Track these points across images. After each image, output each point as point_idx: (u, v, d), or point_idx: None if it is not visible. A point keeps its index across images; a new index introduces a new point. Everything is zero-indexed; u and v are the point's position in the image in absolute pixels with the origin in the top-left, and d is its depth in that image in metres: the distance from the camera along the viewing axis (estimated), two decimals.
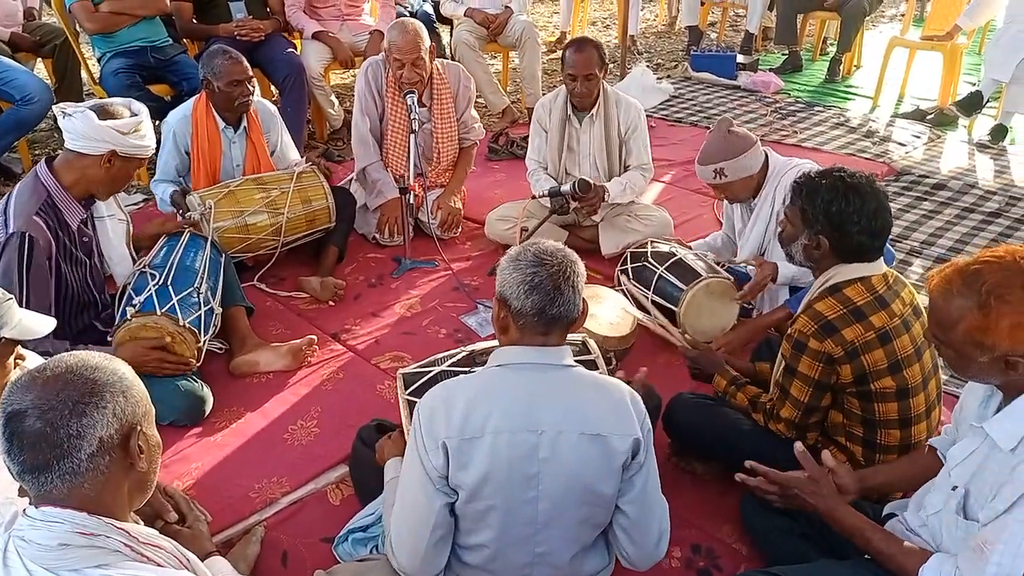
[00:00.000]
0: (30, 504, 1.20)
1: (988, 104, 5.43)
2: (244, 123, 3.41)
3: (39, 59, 4.88)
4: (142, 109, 2.53)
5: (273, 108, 3.60)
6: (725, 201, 3.13)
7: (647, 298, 2.95)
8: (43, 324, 1.80)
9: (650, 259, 3.01)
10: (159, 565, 1.24)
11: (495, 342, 1.79)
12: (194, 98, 3.39)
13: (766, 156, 2.84)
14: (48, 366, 1.22)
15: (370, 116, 3.67)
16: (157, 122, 4.10)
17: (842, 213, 1.96)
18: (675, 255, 2.98)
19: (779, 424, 2.08)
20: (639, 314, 2.66)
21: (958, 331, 1.49)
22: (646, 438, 1.65)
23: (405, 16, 5.65)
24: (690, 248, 3.19)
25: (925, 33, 5.99)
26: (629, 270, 3.07)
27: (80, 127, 2.39)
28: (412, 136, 3.39)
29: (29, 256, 2.31)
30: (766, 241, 2.90)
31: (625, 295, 2.98)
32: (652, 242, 3.13)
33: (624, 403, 1.64)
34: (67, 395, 1.17)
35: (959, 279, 1.50)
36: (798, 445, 1.84)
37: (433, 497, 1.60)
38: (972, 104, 5.34)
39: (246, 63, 3.29)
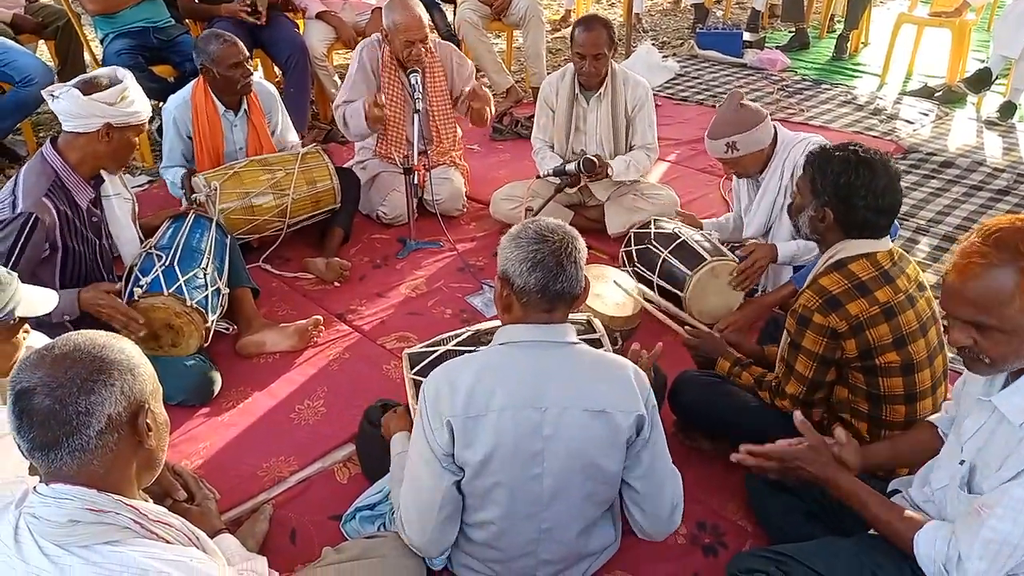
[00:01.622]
0: (40, 482, 1.21)
1: (997, 81, 5.38)
2: (244, 106, 3.39)
3: (42, 41, 4.86)
4: (126, 75, 2.49)
5: (273, 89, 3.59)
6: (735, 180, 3.12)
7: (653, 281, 2.94)
8: (45, 300, 1.82)
9: (653, 241, 2.99)
10: (168, 542, 1.25)
11: (499, 322, 1.79)
12: (192, 83, 3.37)
13: (775, 131, 2.82)
14: (56, 344, 1.23)
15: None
16: (160, 103, 4.09)
17: (850, 186, 1.95)
18: (679, 237, 2.96)
19: (784, 400, 2.09)
20: (642, 300, 2.65)
21: (1016, 302, 1.38)
22: (651, 414, 1.66)
23: None
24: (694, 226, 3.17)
25: (933, 9, 5.94)
26: (633, 252, 3.06)
27: (68, 107, 2.38)
28: (416, 115, 3.37)
29: (28, 236, 2.31)
30: (773, 216, 2.89)
31: (630, 276, 2.97)
32: (655, 221, 3.11)
33: (627, 379, 1.65)
34: (75, 373, 1.18)
35: (992, 250, 1.39)
36: (797, 414, 1.82)
37: (440, 476, 1.61)
38: (981, 81, 5.29)
39: (241, 44, 3.27)
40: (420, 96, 3.40)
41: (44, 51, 4.95)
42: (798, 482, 1.83)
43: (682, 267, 2.86)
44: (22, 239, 2.30)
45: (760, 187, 2.92)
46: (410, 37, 3.40)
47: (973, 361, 1.50)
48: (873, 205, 1.94)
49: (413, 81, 3.42)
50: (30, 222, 2.31)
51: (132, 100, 2.45)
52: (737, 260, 2.88)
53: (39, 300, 1.80)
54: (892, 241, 2.06)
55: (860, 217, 1.96)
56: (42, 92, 2.48)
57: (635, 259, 3.03)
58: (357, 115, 3.47)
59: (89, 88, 2.39)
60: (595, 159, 3.27)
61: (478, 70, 5.38)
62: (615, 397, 1.62)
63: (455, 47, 3.84)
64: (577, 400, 1.60)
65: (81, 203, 2.50)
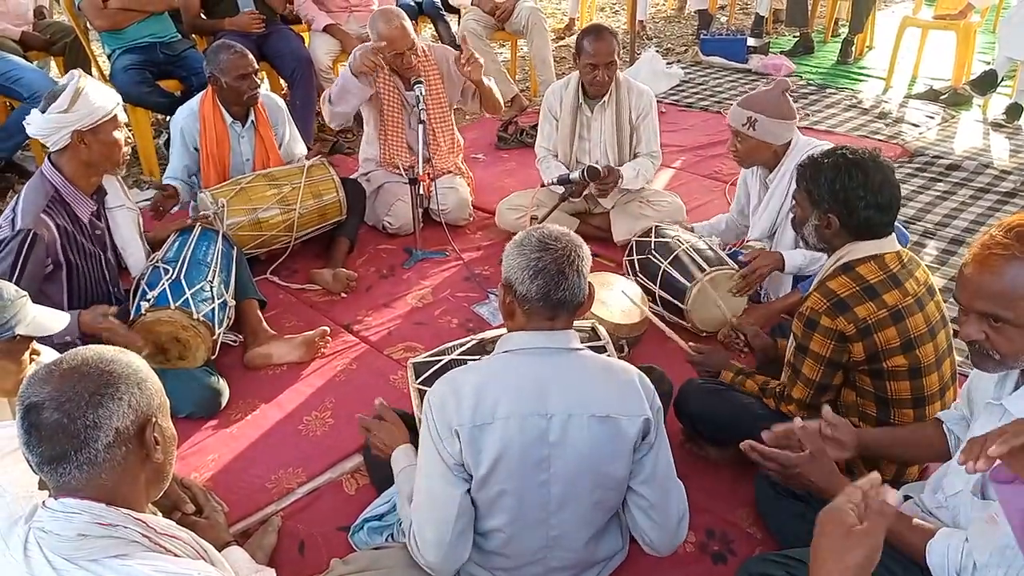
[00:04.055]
0: (49, 496, 1.22)
1: (1003, 83, 5.37)
2: (252, 117, 3.42)
3: (51, 58, 4.91)
4: (74, 74, 2.45)
5: (280, 101, 3.61)
6: (742, 176, 3.11)
7: (655, 292, 2.95)
8: (56, 320, 1.82)
9: (654, 251, 2.99)
10: (176, 555, 1.25)
11: (504, 330, 1.80)
12: (201, 94, 3.39)
13: (794, 138, 2.84)
14: (64, 359, 1.24)
15: None
16: (167, 118, 4.11)
17: (846, 189, 1.96)
18: (680, 246, 2.95)
19: (790, 405, 2.08)
20: (648, 312, 2.65)
21: None
22: (656, 418, 1.66)
23: (411, 5, 5.65)
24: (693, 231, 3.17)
25: (938, 12, 5.93)
26: (635, 261, 3.06)
27: (37, 130, 2.39)
28: (421, 126, 3.38)
29: (28, 253, 2.33)
30: (779, 219, 2.90)
31: (635, 284, 2.97)
32: (657, 229, 3.10)
33: (632, 384, 1.65)
34: (83, 387, 1.19)
35: (1015, 243, 1.39)
36: (796, 421, 1.80)
37: (454, 485, 1.61)
38: (986, 83, 5.28)
39: (251, 56, 3.30)
40: (424, 107, 3.42)
41: (54, 68, 5.00)
42: (800, 487, 1.82)
43: (682, 278, 2.86)
44: (22, 256, 2.31)
45: (769, 190, 2.93)
46: (396, 48, 3.42)
47: (982, 357, 1.50)
48: (873, 203, 1.95)
49: (418, 92, 3.44)
50: (28, 238, 2.33)
51: (87, 98, 2.40)
52: (737, 268, 2.88)
53: (48, 320, 1.80)
54: (905, 247, 2.06)
55: (863, 217, 1.96)
56: (23, 123, 2.49)
57: (637, 269, 3.03)
58: (342, 80, 3.48)
59: (46, 104, 2.39)
60: (600, 168, 3.27)
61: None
62: (621, 402, 1.62)
63: (451, 48, 3.87)
64: (582, 406, 1.60)
65: (82, 216, 2.52)
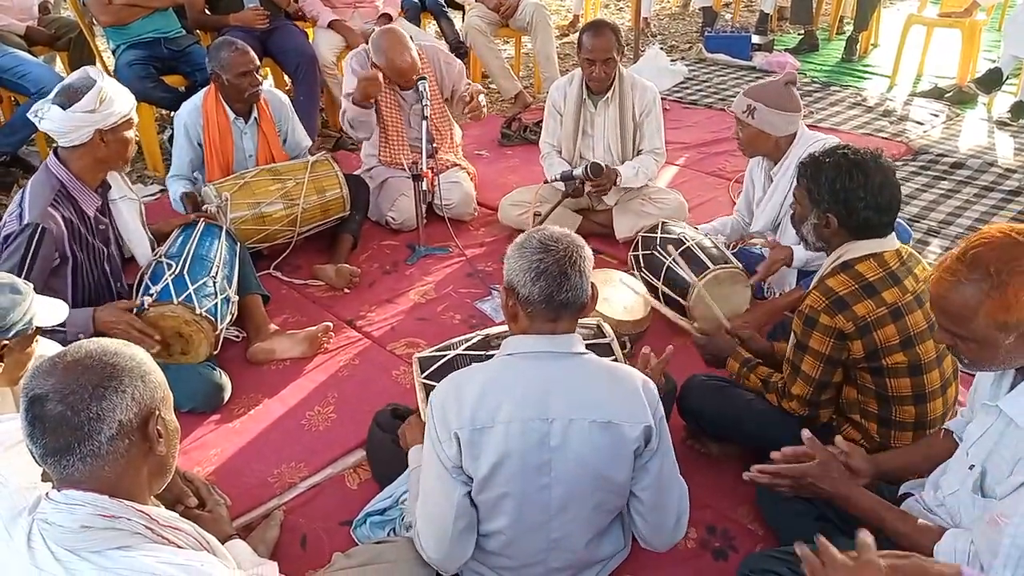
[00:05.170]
0: (53, 488, 1.23)
1: (1008, 81, 5.36)
2: (255, 114, 3.43)
3: (56, 53, 4.92)
4: (90, 72, 2.46)
5: (284, 97, 3.62)
6: (748, 168, 3.11)
7: (658, 288, 2.95)
8: (57, 310, 1.84)
9: (659, 246, 2.99)
10: (179, 547, 1.26)
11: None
12: (204, 90, 3.40)
13: (798, 132, 2.84)
14: (68, 352, 1.24)
15: None
16: (171, 114, 4.12)
17: (846, 190, 1.96)
18: (684, 243, 2.95)
19: (791, 402, 2.08)
20: (651, 299, 2.65)
21: (979, 318, 1.44)
22: (658, 425, 1.65)
23: (414, 2, 5.66)
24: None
25: (943, 10, 5.92)
26: (640, 256, 3.06)
27: (56, 126, 2.39)
28: (424, 122, 3.39)
29: (37, 247, 2.33)
30: (782, 212, 2.90)
31: (637, 279, 2.97)
32: (663, 225, 3.10)
33: (636, 390, 1.65)
34: (87, 379, 1.20)
35: (963, 268, 1.46)
36: (805, 432, 1.82)
37: (452, 487, 1.62)
38: (991, 81, 5.27)
39: (253, 53, 3.30)
40: (428, 103, 3.43)
41: (59, 63, 5.00)
42: (812, 496, 1.83)
43: (686, 274, 2.86)
44: (31, 250, 2.32)
45: (773, 181, 2.93)
46: (402, 75, 3.47)
47: (958, 358, 1.59)
48: (873, 204, 1.95)
49: (421, 88, 3.45)
50: (37, 233, 2.33)
51: (112, 99, 2.43)
52: (740, 266, 2.88)
53: (50, 311, 1.81)
54: (907, 244, 2.06)
55: (862, 218, 1.96)
56: (27, 115, 2.49)
57: (642, 264, 3.04)
58: (350, 112, 3.54)
59: (69, 101, 2.37)
60: (602, 164, 3.27)
61: (486, 76, 5.42)
62: (622, 408, 1.62)
63: (440, 48, 3.89)
64: (584, 411, 1.59)
65: (88, 211, 2.52)
